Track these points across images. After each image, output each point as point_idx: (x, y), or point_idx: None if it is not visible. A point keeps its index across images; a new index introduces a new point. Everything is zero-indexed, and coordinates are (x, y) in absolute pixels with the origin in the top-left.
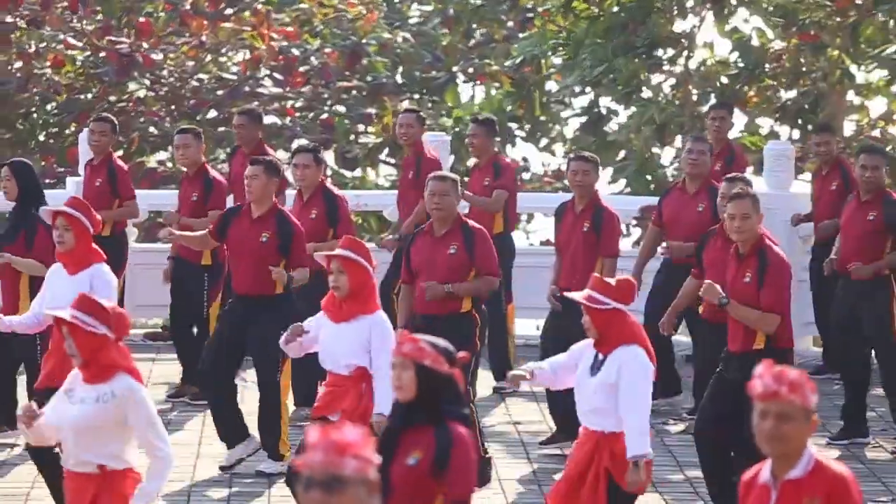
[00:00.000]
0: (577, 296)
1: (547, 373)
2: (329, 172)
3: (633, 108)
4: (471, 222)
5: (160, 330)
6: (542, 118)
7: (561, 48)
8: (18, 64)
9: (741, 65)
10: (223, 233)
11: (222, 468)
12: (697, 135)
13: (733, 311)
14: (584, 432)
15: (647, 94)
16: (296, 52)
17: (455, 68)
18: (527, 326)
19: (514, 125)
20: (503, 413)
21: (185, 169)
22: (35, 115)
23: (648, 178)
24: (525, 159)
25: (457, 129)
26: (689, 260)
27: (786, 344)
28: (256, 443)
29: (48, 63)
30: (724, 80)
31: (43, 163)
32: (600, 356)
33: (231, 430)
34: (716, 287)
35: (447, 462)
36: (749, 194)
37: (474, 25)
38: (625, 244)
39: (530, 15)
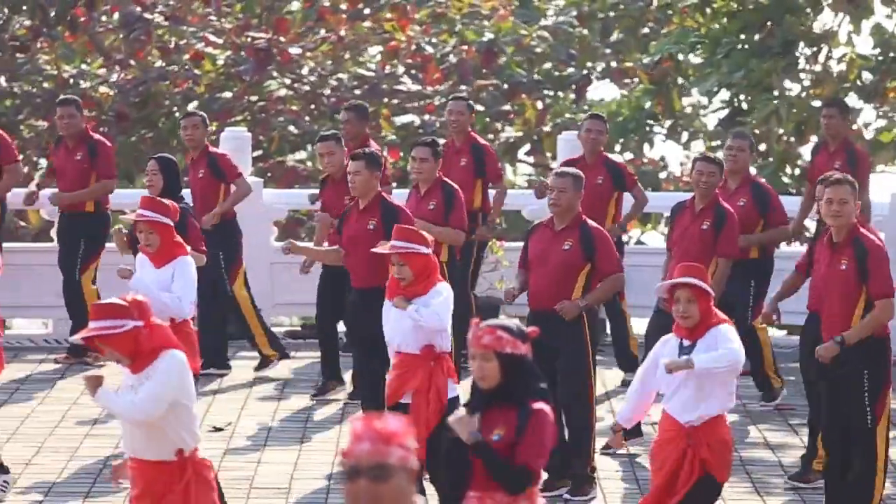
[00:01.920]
0: (689, 280)
1: (634, 400)
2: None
3: (760, 106)
4: (590, 222)
5: (300, 328)
6: (682, 112)
7: (699, 46)
8: (159, 63)
9: (880, 58)
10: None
11: None
12: (738, 131)
13: (854, 338)
14: (671, 424)
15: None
16: (430, 49)
17: (590, 65)
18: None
19: (652, 122)
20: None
21: (325, 172)
22: (177, 114)
23: (785, 177)
24: (663, 158)
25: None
26: (743, 256)
27: (882, 332)
28: None
29: (187, 57)
30: (866, 74)
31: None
32: (686, 343)
33: None
34: (827, 345)
35: (522, 432)
36: (848, 180)
37: (612, 15)
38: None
39: (669, 12)
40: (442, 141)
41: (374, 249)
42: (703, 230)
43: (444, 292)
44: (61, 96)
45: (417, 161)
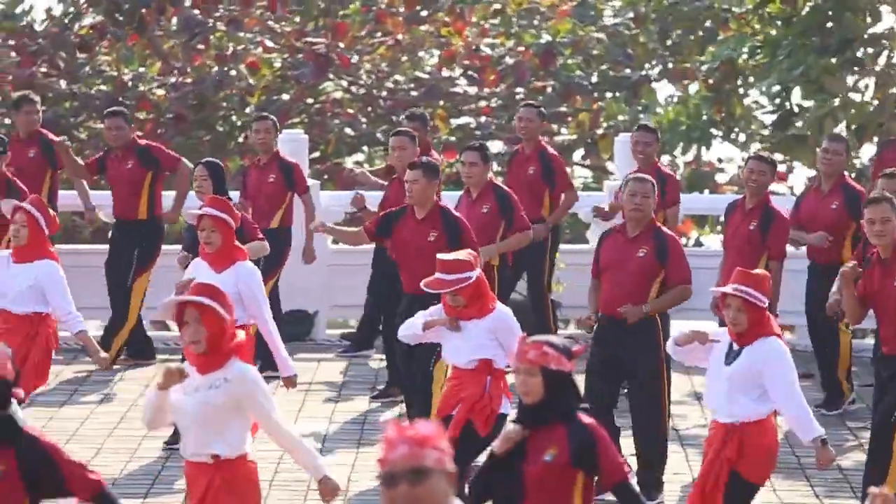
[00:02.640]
0: (728, 289)
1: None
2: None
3: (815, 106)
4: (664, 228)
5: (356, 330)
6: (739, 114)
7: (758, 50)
8: (216, 68)
9: None
10: (385, 232)
11: None
12: (834, 134)
13: None
14: (714, 426)
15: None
16: (489, 50)
17: (648, 66)
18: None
19: (714, 131)
20: None
21: (395, 166)
22: (234, 117)
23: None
24: (720, 160)
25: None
26: (833, 259)
27: None
28: None
29: (244, 65)
30: None
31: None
32: (735, 347)
33: None
34: None
35: (594, 457)
36: (886, 198)
37: (669, 19)
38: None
39: (726, 17)
40: (499, 144)
41: (422, 285)
42: (750, 231)
43: (509, 312)
44: (109, 108)
45: (467, 165)
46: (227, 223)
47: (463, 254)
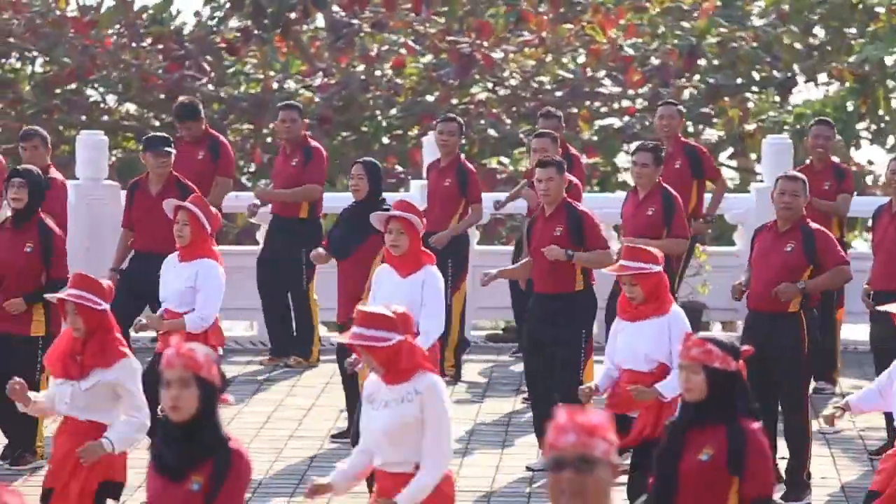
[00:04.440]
0: (892, 308)
1: (871, 396)
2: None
3: None
4: (812, 223)
5: (501, 332)
6: (888, 117)
7: None
8: (361, 67)
9: None
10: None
11: (528, 468)
12: None
13: None
14: None
15: None
16: (632, 51)
17: (796, 67)
18: (853, 332)
19: (860, 126)
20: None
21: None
22: (378, 118)
23: None
24: (870, 162)
25: (797, 127)
26: None
27: None
28: None
29: (389, 65)
30: None
31: (385, 164)
32: None
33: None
34: None
35: (743, 462)
36: None
37: (815, 17)
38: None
39: (878, 10)
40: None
41: (605, 270)
42: None
43: (683, 314)
44: (285, 102)
45: (638, 165)
46: (415, 226)
47: (652, 247)
